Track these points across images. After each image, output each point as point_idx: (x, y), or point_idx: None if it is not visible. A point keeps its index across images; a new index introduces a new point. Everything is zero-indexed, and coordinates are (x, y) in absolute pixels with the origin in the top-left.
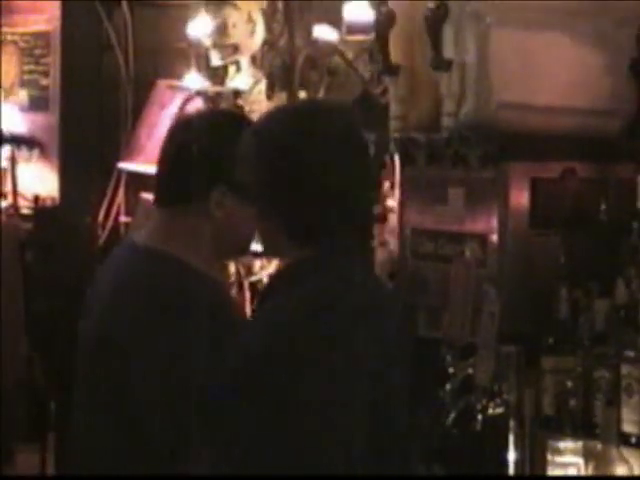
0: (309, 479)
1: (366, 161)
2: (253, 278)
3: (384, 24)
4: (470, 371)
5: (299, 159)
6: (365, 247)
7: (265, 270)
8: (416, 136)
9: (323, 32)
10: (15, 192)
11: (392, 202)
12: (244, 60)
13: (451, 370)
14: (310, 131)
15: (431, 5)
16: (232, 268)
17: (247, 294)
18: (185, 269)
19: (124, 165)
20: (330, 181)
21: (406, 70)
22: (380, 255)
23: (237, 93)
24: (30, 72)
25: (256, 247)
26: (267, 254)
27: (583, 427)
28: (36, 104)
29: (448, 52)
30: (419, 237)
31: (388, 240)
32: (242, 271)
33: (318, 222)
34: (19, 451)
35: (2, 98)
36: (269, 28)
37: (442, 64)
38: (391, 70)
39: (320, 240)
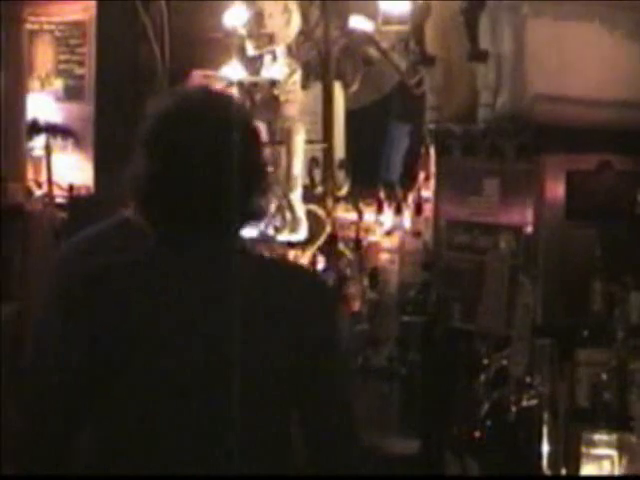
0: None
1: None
2: None
3: (420, 14)
4: (504, 363)
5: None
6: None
7: (299, 260)
8: (452, 127)
9: (359, 22)
10: (50, 181)
11: (427, 193)
12: (280, 50)
13: (485, 362)
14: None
15: None
16: None
17: None
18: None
19: None
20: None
21: (442, 61)
22: (414, 246)
23: (273, 83)
24: (66, 62)
25: (290, 237)
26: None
27: (617, 420)
28: (71, 94)
29: (484, 43)
30: (454, 228)
31: (423, 231)
32: None
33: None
34: None
35: (38, 88)
36: (305, 18)
37: (478, 55)
38: (427, 61)
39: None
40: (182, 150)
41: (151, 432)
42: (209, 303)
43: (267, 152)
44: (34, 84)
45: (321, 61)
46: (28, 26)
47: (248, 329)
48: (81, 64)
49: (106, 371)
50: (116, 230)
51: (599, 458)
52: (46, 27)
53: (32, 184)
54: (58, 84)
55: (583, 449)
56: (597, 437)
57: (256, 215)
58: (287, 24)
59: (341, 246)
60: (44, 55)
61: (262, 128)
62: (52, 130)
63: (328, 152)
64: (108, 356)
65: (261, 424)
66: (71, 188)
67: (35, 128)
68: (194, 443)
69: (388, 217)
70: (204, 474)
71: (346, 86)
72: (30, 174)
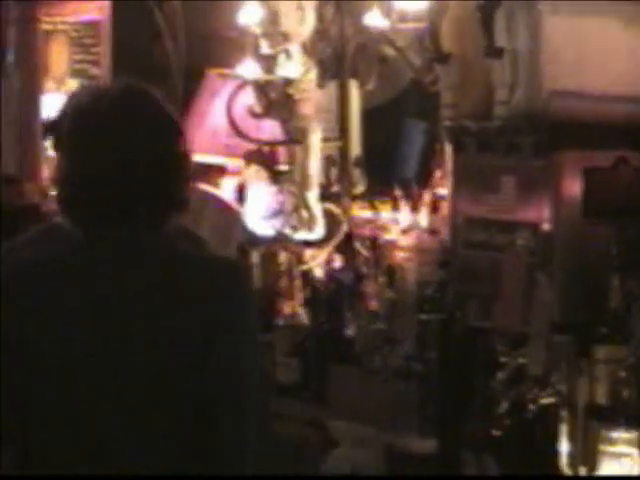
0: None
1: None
2: (303, 267)
3: (436, 12)
4: (522, 360)
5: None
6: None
7: (315, 259)
8: (467, 124)
9: (374, 20)
10: None
11: (443, 191)
12: (294, 48)
13: (503, 360)
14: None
15: None
16: (282, 256)
17: (297, 283)
18: None
19: None
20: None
21: (457, 58)
22: (431, 244)
23: (288, 81)
24: (80, 62)
25: (306, 236)
26: None
27: (637, 417)
28: None
29: (500, 40)
30: (471, 226)
31: (439, 229)
32: (293, 260)
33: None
34: None
35: (53, 88)
36: (320, 16)
37: (494, 52)
38: (442, 58)
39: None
40: (94, 146)
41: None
42: (121, 299)
43: (282, 151)
44: (49, 84)
45: (336, 59)
46: (42, 26)
47: (154, 322)
48: (96, 64)
49: (23, 369)
50: (44, 236)
51: (618, 456)
52: (61, 27)
53: (47, 184)
54: (73, 84)
55: (602, 447)
56: (616, 435)
57: (177, 205)
58: (301, 22)
59: (357, 245)
60: (59, 55)
61: (277, 126)
62: None
63: (344, 150)
64: (27, 356)
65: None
66: None
67: (50, 128)
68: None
69: (404, 215)
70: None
71: (361, 84)
72: (45, 174)
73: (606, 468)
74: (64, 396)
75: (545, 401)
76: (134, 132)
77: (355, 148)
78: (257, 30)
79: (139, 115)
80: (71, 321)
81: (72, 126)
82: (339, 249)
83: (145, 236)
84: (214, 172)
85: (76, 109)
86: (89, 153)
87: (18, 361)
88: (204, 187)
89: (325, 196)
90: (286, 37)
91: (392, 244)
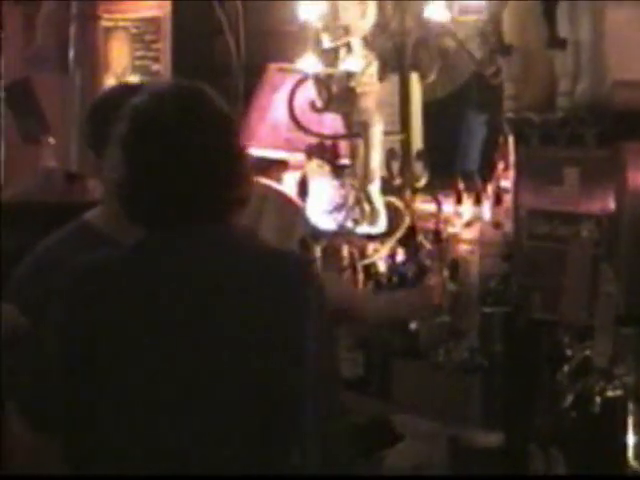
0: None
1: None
2: (366, 261)
3: (497, 3)
4: (587, 353)
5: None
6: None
7: (378, 253)
8: (530, 116)
9: (435, 13)
10: None
11: (506, 183)
12: (355, 42)
13: (568, 352)
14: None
15: None
16: (345, 251)
17: (360, 277)
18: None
19: None
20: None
21: (519, 49)
22: (494, 237)
23: (349, 75)
24: (141, 58)
25: (369, 229)
26: None
27: None
28: None
29: (563, 30)
30: (534, 218)
31: (503, 222)
32: (355, 254)
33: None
34: None
35: (113, 85)
36: (380, 9)
37: (557, 43)
38: (504, 50)
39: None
40: (154, 147)
41: (145, 423)
42: (192, 295)
43: (344, 145)
44: (110, 81)
45: (397, 52)
46: (103, 23)
47: (229, 314)
48: (156, 60)
49: (104, 365)
50: (75, 234)
51: None
52: (121, 24)
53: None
54: (134, 81)
55: None
56: None
57: (238, 202)
58: (362, 16)
59: (420, 238)
60: (119, 52)
61: (338, 120)
62: None
63: (406, 143)
64: (107, 350)
65: (249, 410)
66: None
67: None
68: (188, 429)
69: (467, 208)
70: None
71: (423, 77)
72: None
73: None
74: (139, 393)
75: (611, 394)
76: (193, 132)
77: (417, 141)
78: (318, 24)
79: (198, 115)
80: (141, 317)
81: (131, 126)
82: (402, 242)
83: (209, 232)
84: (275, 167)
85: (135, 110)
86: (149, 154)
87: (89, 356)
88: (266, 182)
89: (387, 189)
90: (347, 31)
91: (455, 237)
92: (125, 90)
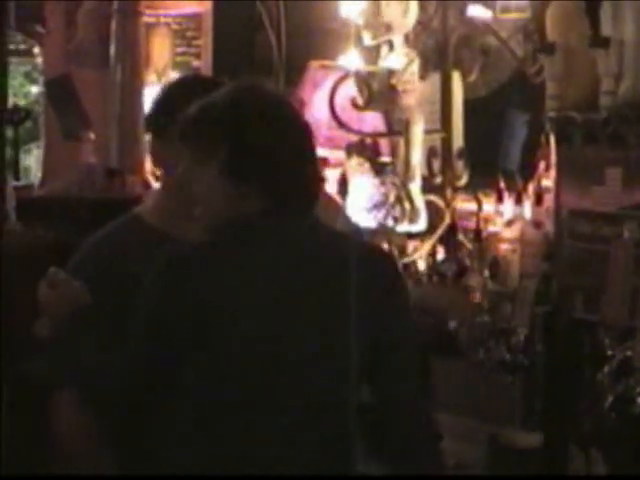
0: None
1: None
2: (406, 259)
3: (540, 2)
4: (629, 354)
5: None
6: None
7: (418, 252)
8: (573, 115)
9: (477, 11)
10: None
11: (548, 182)
12: (397, 39)
13: (609, 353)
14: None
15: None
16: (385, 249)
17: None
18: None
19: None
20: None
21: (562, 48)
22: (535, 236)
23: (390, 73)
24: (182, 54)
25: (409, 228)
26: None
27: None
28: None
29: (606, 29)
30: (576, 218)
31: (544, 221)
32: (395, 252)
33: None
34: None
35: (155, 81)
36: (422, 7)
37: (600, 42)
38: (547, 48)
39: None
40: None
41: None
42: (287, 285)
43: (385, 142)
44: (151, 77)
45: (439, 50)
46: (144, 19)
47: (330, 301)
48: (197, 56)
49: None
50: (126, 227)
51: None
52: (162, 20)
53: (150, 176)
54: (174, 77)
55: None
56: None
57: (315, 198)
58: (404, 13)
59: (461, 237)
60: (161, 48)
61: (379, 118)
62: None
63: (447, 142)
64: (209, 327)
65: (341, 397)
66: None
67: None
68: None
69: (508, 207)
70: (286, 440)
71: (464, 75)
72: (148, 166)
73: None
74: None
75: None
76: (298, 129)
77: (458, 140)
78: (359, 21)
79: (282, 118)
80: (236, 306)
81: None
82: (442, 241)
83: (297, 224)
84: None
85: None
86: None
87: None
88: None
89: (428, 188)
90: (388, 28)
91: (496, 236)
92: (196, 81)
